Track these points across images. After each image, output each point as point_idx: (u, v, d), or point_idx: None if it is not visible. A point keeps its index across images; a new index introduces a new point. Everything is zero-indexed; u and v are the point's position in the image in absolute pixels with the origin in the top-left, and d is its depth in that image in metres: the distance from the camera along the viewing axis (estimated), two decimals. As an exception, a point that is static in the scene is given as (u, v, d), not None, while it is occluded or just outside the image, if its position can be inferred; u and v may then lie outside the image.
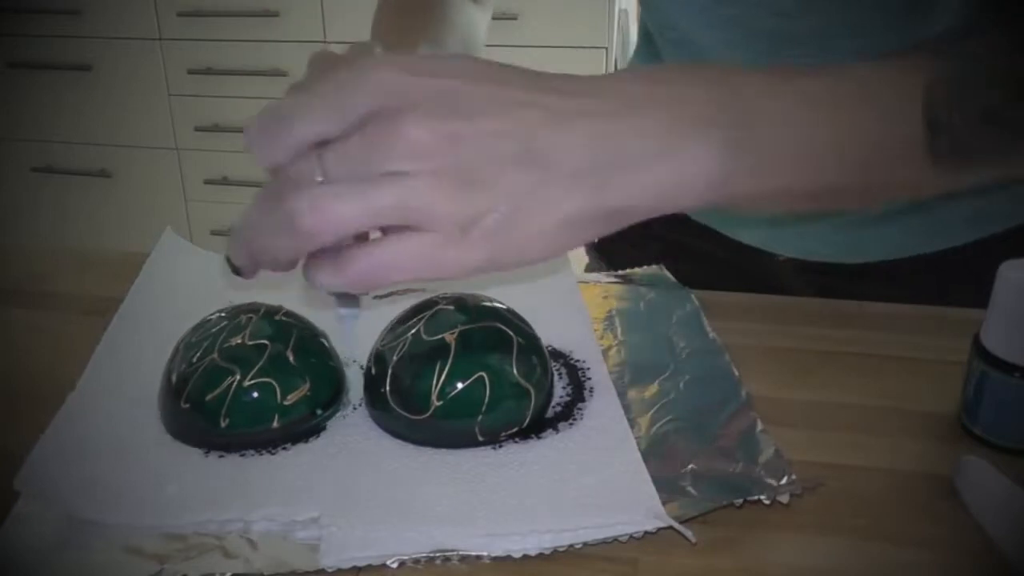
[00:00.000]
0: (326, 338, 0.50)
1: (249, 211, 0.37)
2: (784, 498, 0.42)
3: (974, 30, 0.44)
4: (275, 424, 0.45)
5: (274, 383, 0.45)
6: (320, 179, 0.35)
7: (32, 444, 0.45)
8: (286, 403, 0.46)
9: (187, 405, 0.45)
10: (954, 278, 0.64)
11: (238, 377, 0.45)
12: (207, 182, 1.99)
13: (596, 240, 0.79)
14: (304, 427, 0.46)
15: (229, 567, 0.39)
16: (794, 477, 0.43)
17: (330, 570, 0.39)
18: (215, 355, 0.46)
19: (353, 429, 0.47)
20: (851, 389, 0.52)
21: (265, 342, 0.46)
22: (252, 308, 0.49)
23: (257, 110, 0.37)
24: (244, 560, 0.39)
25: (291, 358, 0.46)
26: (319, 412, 0.47)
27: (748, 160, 0.38)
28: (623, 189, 0.37)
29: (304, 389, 0.46)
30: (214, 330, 0.47)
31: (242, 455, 0.45)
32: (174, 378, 0.46)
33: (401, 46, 0.61)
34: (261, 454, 0.45)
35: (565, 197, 0.36)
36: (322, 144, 0.36)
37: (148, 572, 0.38)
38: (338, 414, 0.48)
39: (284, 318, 0.49)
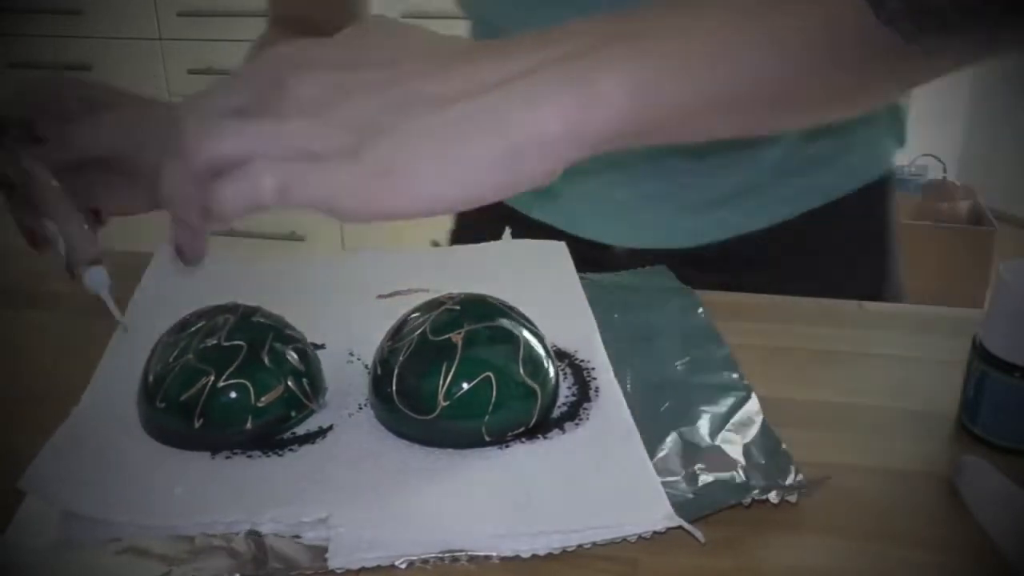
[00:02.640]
0: (303, 340, 0.50)
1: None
2: (789, 498, 0.42)
3: None
4: (249, 425, 0.46)
5: (248, 384, 0.46)
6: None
7: (34, 443, 0.45)
8: (260, 404, 0.46)
9: (163, 405, 0.46)
10: (779, 261, 0.72)
11: (212, 378, 0.45)
12: (207, 181, 1.99)
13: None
14: (278, 428, 0.47)
15: (237, 568, 0.39)
16: (796, 477, 0.43)
17: (339, 571, 0.39)
18: (191, 355, 0.46)
19: (360, 430, 0.47)
20: (851, 389, 0.52)
21: (241, 343, 0.47)
22: (230, 309, 0.49)
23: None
24: (252, 561, 0.39)
25: (266, 360, 0.47)
26: (293, 414, 0.47)
27: (645, 72, 0.36)
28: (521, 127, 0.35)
29: (279, 390, 0.47)
30: (191, 330, 0.48)
31: (249, 456, 0.45)
32: (151, 378, 0.47)
33: None
34: (268, 455, 0.45)
35: (459, 137, 0.35)
36: None
37: (155, 573, 0.39)
38: (344, 414, 0.48)
39: (261, 319, 0.49)
